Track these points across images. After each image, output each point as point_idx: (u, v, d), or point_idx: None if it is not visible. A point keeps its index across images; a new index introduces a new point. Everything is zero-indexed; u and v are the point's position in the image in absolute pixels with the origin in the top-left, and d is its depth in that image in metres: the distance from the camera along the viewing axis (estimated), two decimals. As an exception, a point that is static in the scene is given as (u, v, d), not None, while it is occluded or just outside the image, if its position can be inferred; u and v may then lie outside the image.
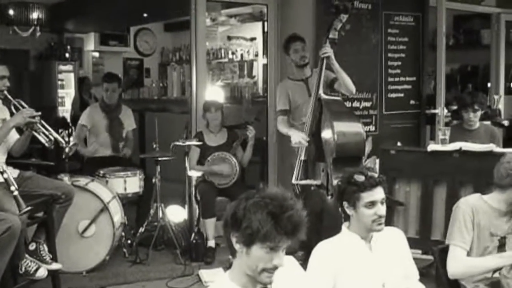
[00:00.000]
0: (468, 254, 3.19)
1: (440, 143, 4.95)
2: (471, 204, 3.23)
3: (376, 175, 2.85)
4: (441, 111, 6.45)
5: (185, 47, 10.13)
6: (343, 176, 2.94)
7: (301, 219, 2.07)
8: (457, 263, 3.15)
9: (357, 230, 2.85)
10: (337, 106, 5.07)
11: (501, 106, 7.62)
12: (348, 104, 6.07)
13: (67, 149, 4.39)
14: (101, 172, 5.55)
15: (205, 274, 5.05)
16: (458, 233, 3.19)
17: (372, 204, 2.79)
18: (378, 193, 2.80)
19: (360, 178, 2.81)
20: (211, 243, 5.52)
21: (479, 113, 5.50)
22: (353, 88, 5.22)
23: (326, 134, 4.91)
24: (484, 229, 3.19)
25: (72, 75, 9.75)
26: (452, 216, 3.30)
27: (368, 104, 6.45)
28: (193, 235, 5.52)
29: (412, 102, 6.84)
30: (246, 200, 2.10)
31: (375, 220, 2.79)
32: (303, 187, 5.08)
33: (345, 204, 2.88)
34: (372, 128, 6.46)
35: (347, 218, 2.92)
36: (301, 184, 5.05)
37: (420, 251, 4.72)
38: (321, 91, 5.03)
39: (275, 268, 2.07)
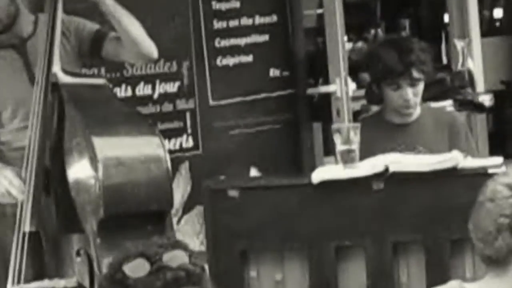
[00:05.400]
0: None
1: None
2: None
3: None
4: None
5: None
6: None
7: None
8: None
9: None
10: (99, 99, 2.47)
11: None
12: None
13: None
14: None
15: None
16: None
17: None
18: None
19: None
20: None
21: None
22: (152, 48, 2.61)
23: (78, 168, 2.35)
24: None
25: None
26: None
27: (172, 88, 3.64)
28: None
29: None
30: None
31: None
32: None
33: None
34: (188, 142, 3.53)
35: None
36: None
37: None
38: (57, 68, 2.34)
39: None
